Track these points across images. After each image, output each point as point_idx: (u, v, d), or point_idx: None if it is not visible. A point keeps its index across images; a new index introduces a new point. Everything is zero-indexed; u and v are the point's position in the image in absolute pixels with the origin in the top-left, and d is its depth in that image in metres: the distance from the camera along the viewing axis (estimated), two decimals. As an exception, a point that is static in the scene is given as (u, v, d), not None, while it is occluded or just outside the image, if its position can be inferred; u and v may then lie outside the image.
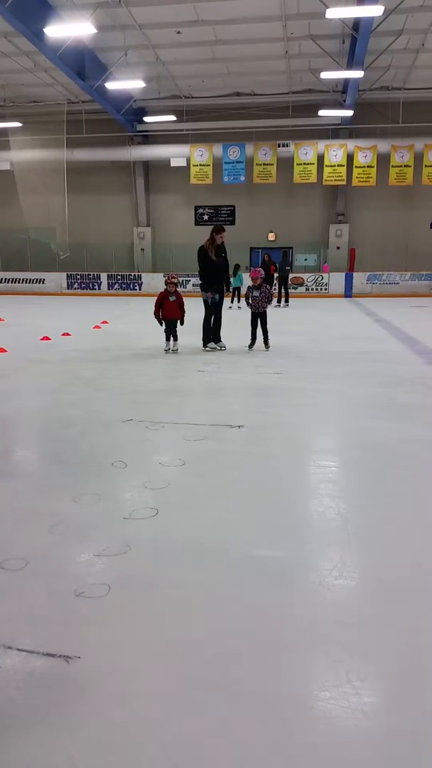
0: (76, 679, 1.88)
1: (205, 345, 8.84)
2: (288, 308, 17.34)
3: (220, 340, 8.87)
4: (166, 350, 8.45)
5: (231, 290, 9.85)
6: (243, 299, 9.49)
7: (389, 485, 3.56)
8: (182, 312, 8.40)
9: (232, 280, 13.14)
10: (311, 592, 2.38)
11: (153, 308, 8.41)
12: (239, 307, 15.64)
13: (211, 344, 8.84)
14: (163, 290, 8.48)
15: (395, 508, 3.23)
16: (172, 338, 8.49)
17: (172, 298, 8.34)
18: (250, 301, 8.51)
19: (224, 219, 24.53)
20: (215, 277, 8.65)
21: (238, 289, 16.88)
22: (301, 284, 23.28)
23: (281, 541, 2.83)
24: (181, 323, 8.48)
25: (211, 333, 8.85)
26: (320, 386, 6.36)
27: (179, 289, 8.64)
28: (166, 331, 8.49)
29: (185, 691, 1.84)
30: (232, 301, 16.66)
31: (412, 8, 15.41)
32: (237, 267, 17.85)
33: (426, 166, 21.87)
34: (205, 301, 8.74)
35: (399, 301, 20.34)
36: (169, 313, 8.37)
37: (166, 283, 8.40)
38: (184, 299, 8.49)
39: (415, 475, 3.72)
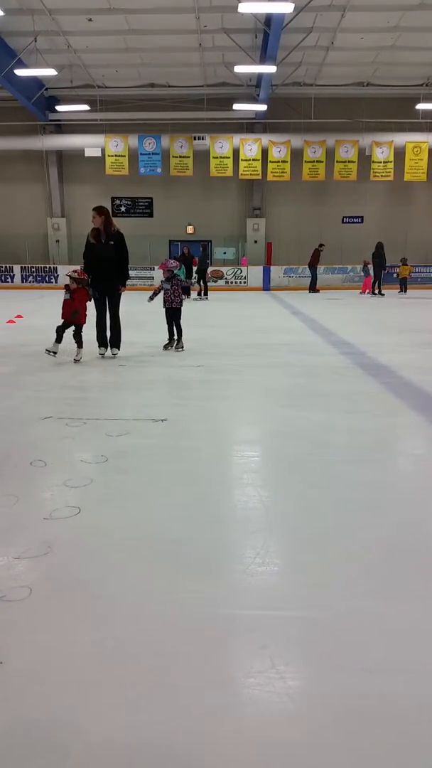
0: (-3, 687, 1.82)
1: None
2: (207, 301, 17.42)
3: (116, 346, 7.63)
4: (76, 359, 7.24)
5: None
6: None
7: (308, 472, 3.66)
8: (84, 312, 7.31)
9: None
10: (235, 580, 2.41)
11: None
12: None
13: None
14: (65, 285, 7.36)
15: (315, 493, 3.33)
16: (75, 344, 7.28)
17: (66, 296, 7.17)
18: (162, 295, 7.77)
19: (142, 211, 24.32)
20: (94, 266, 7.34)
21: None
22: (221, 277, 23.49)
23: (206, 532, 2.84)
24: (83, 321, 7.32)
25: (111, 336, 7.61)
26: (241, 378, 6.45)
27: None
28: (58, 329, 7.21)
29: (112, 689, 1.82)
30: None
31: (321, 7, 15.82)
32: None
33: (337, 161, 22.52)
34: (92, 297, 7.51)
35: (314, 293, 20.94)
36: (67, 314, 7.22)
37: (72, 278, 7.23)
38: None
39: (331, 462, 3.84)
